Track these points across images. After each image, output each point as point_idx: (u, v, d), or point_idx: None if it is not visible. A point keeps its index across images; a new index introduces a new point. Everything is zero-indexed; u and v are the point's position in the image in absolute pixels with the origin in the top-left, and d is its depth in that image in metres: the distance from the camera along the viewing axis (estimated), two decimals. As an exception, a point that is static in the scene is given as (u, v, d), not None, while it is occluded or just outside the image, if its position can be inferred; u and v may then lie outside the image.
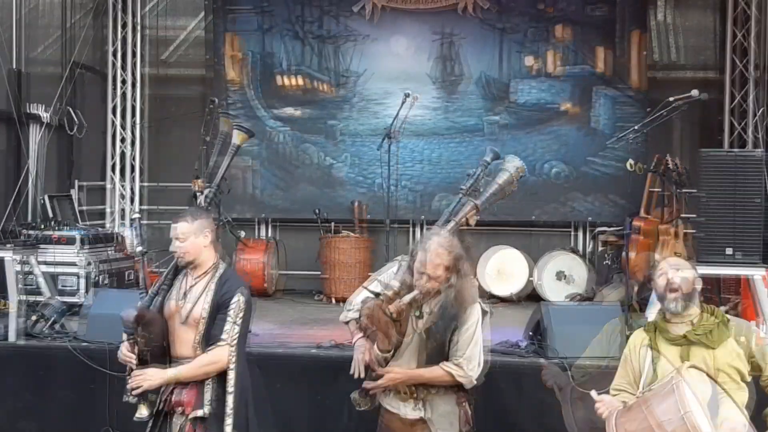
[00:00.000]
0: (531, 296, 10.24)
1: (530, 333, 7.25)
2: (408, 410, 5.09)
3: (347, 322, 5.22)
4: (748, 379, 4.60)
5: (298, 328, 8.45)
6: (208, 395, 4.98)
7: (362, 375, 5.01)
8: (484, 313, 5.14)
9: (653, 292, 4.78)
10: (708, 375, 4.44)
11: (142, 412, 5.00)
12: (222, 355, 4.93)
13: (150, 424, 5.11)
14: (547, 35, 10.92)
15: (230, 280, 5.10)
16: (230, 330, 4.95)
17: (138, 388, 4.92)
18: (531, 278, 10.41)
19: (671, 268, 4.67)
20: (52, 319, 7.69)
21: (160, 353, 5.04)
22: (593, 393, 4.58)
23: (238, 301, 4.99)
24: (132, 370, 4.97)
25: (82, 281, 8.84)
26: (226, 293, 4.99)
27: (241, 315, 4.99)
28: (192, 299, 5.02)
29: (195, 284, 5.07)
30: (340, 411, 6.86)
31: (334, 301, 10.12)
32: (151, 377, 4.93)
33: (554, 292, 10.14)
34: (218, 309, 4.98)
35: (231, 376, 4.95)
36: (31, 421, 7.24)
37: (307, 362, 7.13)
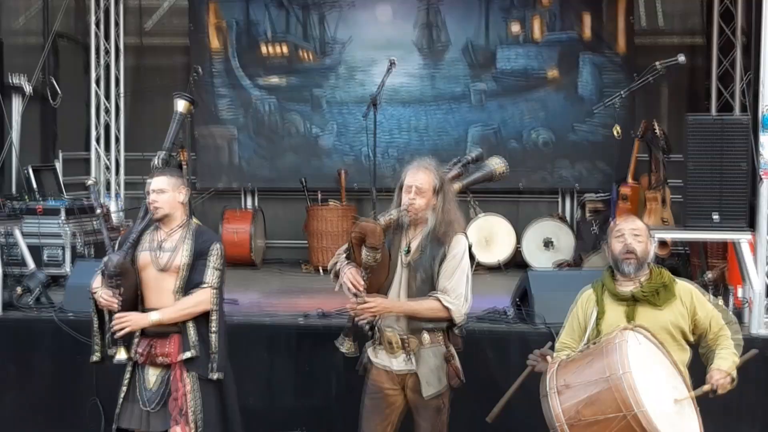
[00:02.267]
0: (517, 264, 10.24)
1: (516, 300, 7.24)
2: (398, 364, 5.14)
3: (335, 270, 5.23)
4: (692, 339, 4.68)
5: (285, 298, 8.44)
6: (192, 338, 5.21)
7: (352, 290, 5.01)
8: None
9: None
10: (653, 335, 4.48)
11: (122, 354, 5.20)
12: (205, 296, 5.21)
13: (126, 384, 5.29)
14: (533, 1, 10.84)
15: (207, 233, 5.46)
16: (212, 274, 5.25)
17: (122, 330, 5.09)
18: (518, 246, 10.41)
19: (631, 234, 4.73)
20: (37, 290, 7.65)
21: (131, 306, 5.21)
22: (548, 347, 4.66)
23: (217, 248, 5.31)
24: (111, 314, 5.16)
25: (67, 253, 8.81)
26: (206, 242, 5.31)
27: (220, 261, 5.30)
28: (170, 249, 5.25)
29: (169, 237, 5.30)
30: (327, 380, 6.87)
31: (321, 271, 10.10)
32: (133, 320, 5.13)
33: (540, 259, 10.16)
34: (198, 256, 5.24)
35: (214, 317, 5.25)
36: (16, 393, 7.22)
37: (294, 332, 7.11)
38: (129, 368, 5.29)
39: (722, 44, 10.16)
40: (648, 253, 4.72)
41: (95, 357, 5.34)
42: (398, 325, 5.11)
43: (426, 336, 5.09)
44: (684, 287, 4.71)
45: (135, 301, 5.25)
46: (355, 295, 5.01)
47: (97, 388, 6.98)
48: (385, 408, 5.21)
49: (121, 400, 5.29)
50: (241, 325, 6.87)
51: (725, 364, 4.51)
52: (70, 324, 7.07)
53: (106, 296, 5.11)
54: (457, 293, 5.02)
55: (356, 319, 5.06)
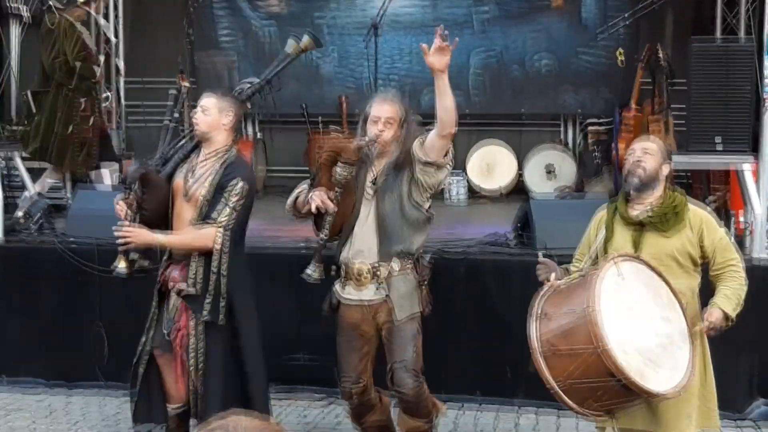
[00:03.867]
0: (519, 191, 10.22)
1: (518, 226, 7.25)
2: (369, 294, 5.13)
3: (293, 205, 5.22)
4: (699, 264, 4.66)
5: (287, 225, 8.40)
6: (192, 272, 5.09)
7: (321, 209, 4.98)
8: None
9: None
10: (648, 265, 4.45)
11: (121, 265, 5.14)
12: (209, 234, 5.01)
13: (154, 305, 5.30)
14: None
15: (235, 164, 5.16)
16: (222, 211, 5.02)
17: (126, 243, 5.05)
18: (520, 173, 10.39)
19: (641, 150, 4.70)
20: (38, 216, 7.65)
21: (160, 223, 5.14)
22: (540, 255, 4.67)
23: (237, 185, 5.04)
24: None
25: (68, 179, 8.77)
26: (228, 175, 5.06)
27: (238, 200, 5.04)
28: (197, 177, 5.11)
29: (203, 162, 5.15)
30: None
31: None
32: (138, 235, 5.05)
33: (542, 186, 10.13)
34: (219, 190, 5.05)
35: (215, 257, 5.03)
36: (20, 319, 7.26)
37: (296, 259, 7.11)
38: (157, 288, 5.30)
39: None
40: (657, 171, 4.64)
41: (123, 268, 5.21)
42: (368, 254, 5.10)
43: (395, 264, 5.11)
44: (695, 213, 4.64)
45: (161, 219, 5.19)
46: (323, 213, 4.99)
47: (101, 314, 7.03)
48: (360, 345, 5.24)
49: (150, 321, 5.31)
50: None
51: (727, 305, 4.47)
52: (72, 250, 7.08)
53: (118, 207, 5.09)
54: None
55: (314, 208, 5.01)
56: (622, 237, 4.66)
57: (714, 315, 4.43)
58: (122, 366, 6.90)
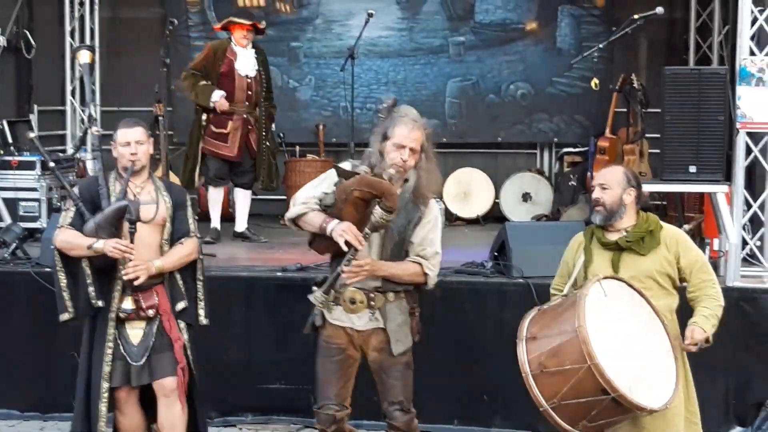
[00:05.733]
0: (496, 218, 10.25)
1: (495, 254, 7.26)
2: (362, 322, 4.96)
3: (299, 217, 4.88)
4: (679, 284, 4.77)
5: (263, 251, 8.43)
6: (182, 288, 5.38)
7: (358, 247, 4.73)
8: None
9: None
10: (630, 285, 4.56)
11: (129, 304, 5.20)
12: (195, 246, 5.38)
13: (112, 336, 5.27)
14: (512, -48, 10.74)
15: (173, 184, 5.67)
16: (194, 224, 5.40)
17: (137, 277, 5.12)
18: (496, 200, 10.42)
19: (598, 186, 4.81)
20: (14, 244, 7.61)
21: (110, 260, 5.14)
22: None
23: (190, 198, 5.54)
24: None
25: (44, 206, 8.74)
26: (181, 192, 5.51)
27: (192, 212, 5.47)
28: (149, 201, 5.26)
29: (143, 189, 5.31)
30: (306, 333, 6.86)
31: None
32: (148, 268, 5.16)
33: (519, 213, 10.17)
34: (178, 208, 5.34)
35: (200, 265, 5.45)
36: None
37: (273, 285, 7.11)
38: (112, 324, 5.25)
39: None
40: (619, 202, 4.75)
41: (67, 315, 5.33)
42: (366, 283, 4.89)
43: (391, 294, 4.94)
44: (671, 234, 4.77)
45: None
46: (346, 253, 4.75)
47: (76, 342, 6.96)
48: (345, 369, 5.06)
49: (111, 358, 5.27)
50: (219, 279, 6.84)
51: (707, 325, 4.56)
52: (46, 277, 7.02)
53: (123, 246, 5.03)
54: (436, 260, 4.94)
55: (348, 282, 4.80)
56: (601, 260, 4.75)
57: (696, 333, 4.53)
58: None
